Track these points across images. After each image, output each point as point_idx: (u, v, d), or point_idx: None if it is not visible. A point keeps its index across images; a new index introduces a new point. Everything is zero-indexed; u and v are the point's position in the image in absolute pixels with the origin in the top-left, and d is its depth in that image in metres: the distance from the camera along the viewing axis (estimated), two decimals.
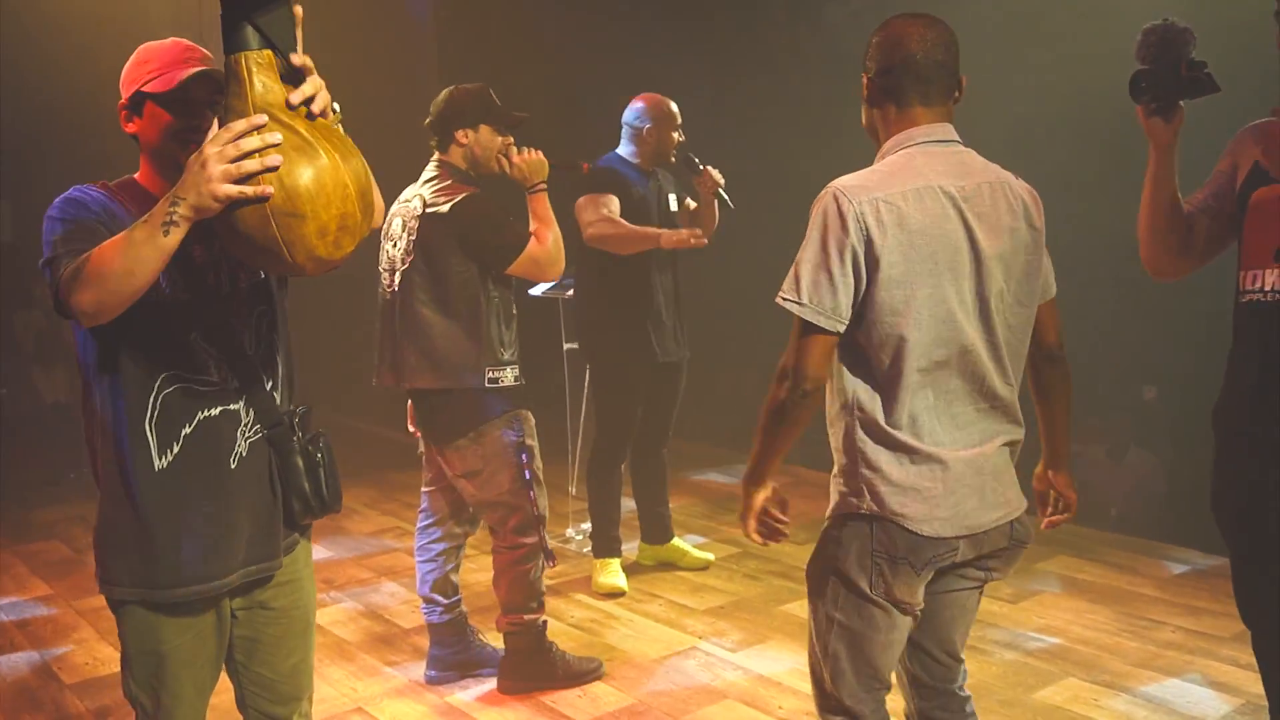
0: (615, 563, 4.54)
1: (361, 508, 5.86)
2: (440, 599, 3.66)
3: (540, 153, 3.42)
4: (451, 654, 3.69)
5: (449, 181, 3.41)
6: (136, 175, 2.15)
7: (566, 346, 5.11)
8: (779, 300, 2.06)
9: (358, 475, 6.40)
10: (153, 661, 2.12)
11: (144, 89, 2.07)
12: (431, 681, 3.68)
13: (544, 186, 3.39)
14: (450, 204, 3.32)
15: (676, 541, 4.78)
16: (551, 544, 5.01)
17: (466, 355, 3.35)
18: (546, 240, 3.33)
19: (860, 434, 2.10)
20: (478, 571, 4.81)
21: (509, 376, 3.40)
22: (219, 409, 2.09)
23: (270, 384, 2.18)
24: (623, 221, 4.19)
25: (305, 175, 1.85)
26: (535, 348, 5.98)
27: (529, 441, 3.41)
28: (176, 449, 2.06)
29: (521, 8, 6.98)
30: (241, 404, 2.12)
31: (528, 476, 3.40)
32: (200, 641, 2.15)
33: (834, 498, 2.17)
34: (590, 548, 4.82)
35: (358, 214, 1.93)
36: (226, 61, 1.88)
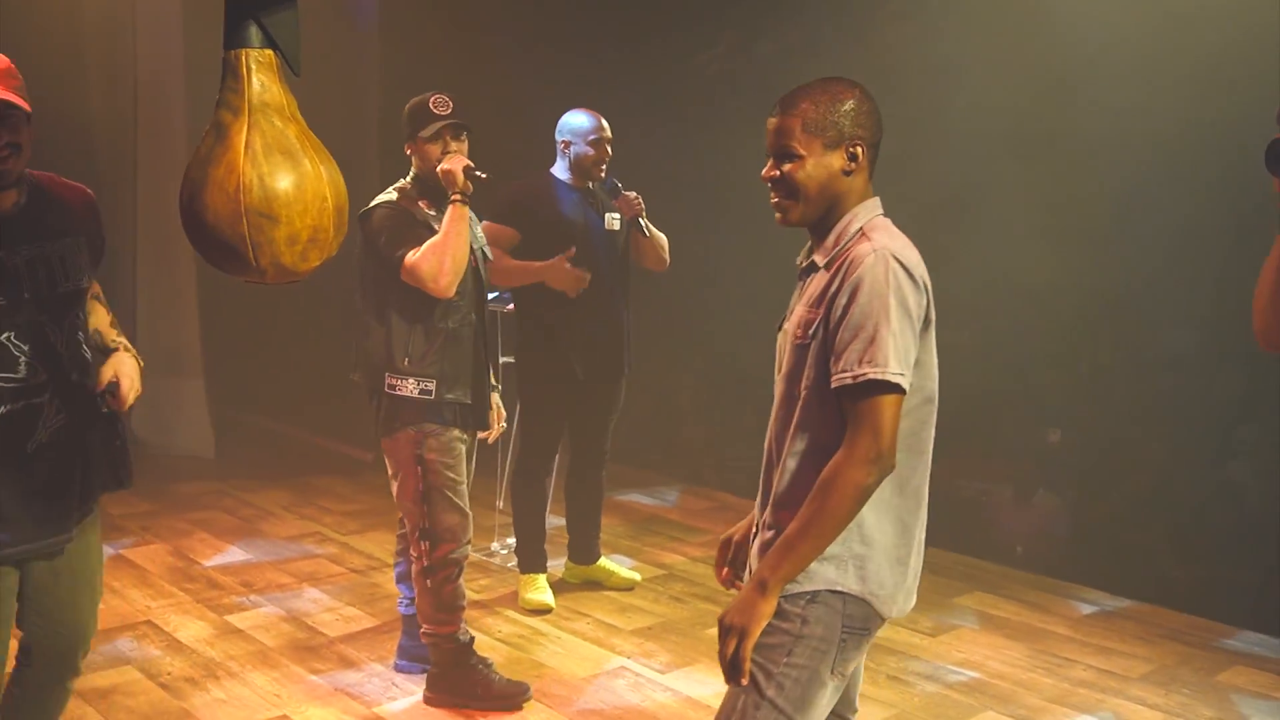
0: (541, 578, 4.54)
1: (280, 510, 5.76)
2: (408, 590, 3.72)
3: (458, 164, 3.34)
4: (417, 645, 3.74)
5: (396, 189, 3.49)
6: None
7: (503, 360, 5.09)
8: (877, 378, 1.89)
9: (276, 479, 6.29)
10: None
11: None
12: (399, 670, 3.80)
13: (457, 198, 3.32)
14: (365, 210, 3.41)
15: (604, 561, 4.79)
16: (476, 557, 5.04)
17: (379, 358, 3.44)
18: (426, 254, 3.28)
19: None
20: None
21: (410, 387, 3.40)
22: (22, 403, 2.36)
23: (77, 377, 2.45)
24: (506, 257, 4.23)
25: (286, 180, 1.84)
26: None
27: (429, 456, 3.41)
28: None
29: (465, 23, 6.98)
30: (46, 397, 2.39)
31: (420, 489, 3.43)
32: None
33: (802, 563, 1.95)
34: (515, 563, 4.81)
35: (330, 229, 1.92)
36: (225, 56, 1.86)
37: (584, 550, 4.77)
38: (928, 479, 2.11)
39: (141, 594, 4.52)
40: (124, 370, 2.44)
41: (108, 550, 5.03)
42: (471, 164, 3.37)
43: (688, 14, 6.74)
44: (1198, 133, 4.87)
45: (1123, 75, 5.14)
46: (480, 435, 3.70)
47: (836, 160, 2.04)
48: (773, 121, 2.08)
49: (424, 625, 3.55)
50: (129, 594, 4.52)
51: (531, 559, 4.55)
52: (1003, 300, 5.75)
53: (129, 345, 2.60)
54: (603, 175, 4.36)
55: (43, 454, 2.40)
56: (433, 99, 3.47)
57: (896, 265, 1.95)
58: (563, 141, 4.35)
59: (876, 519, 2.00)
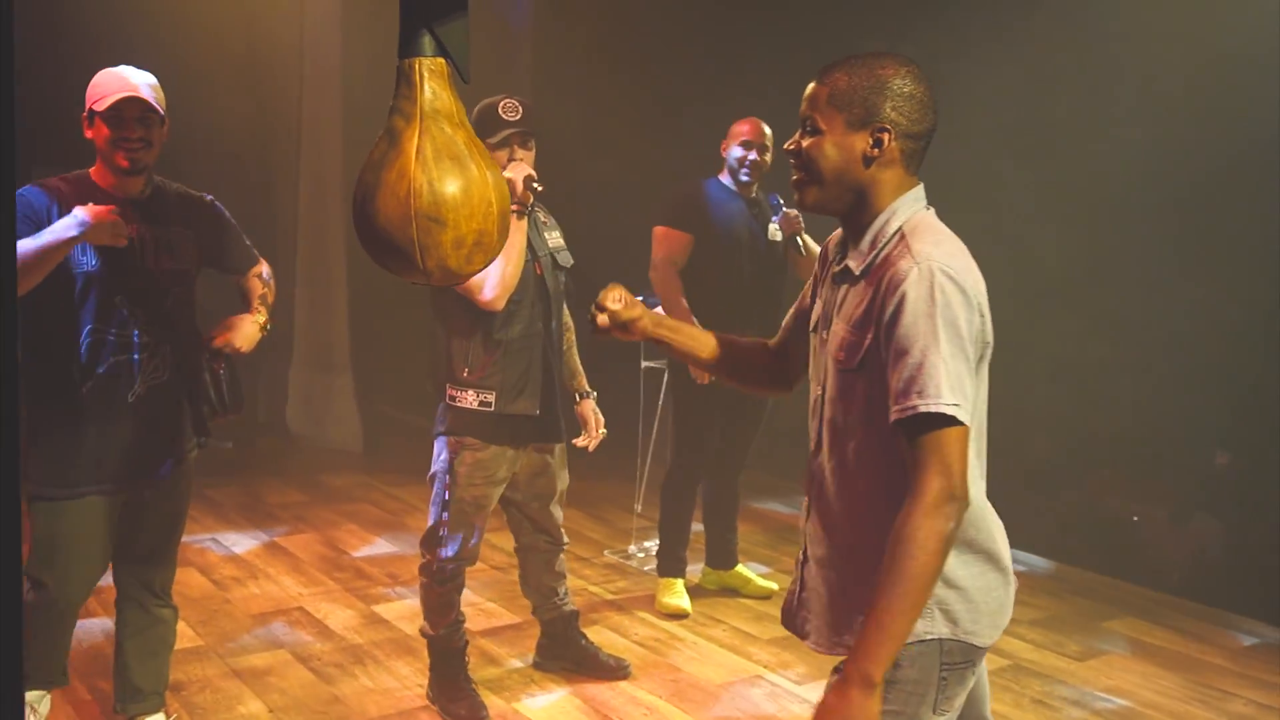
0: (679, 583, 4.55)
1: (425, 505, 5.85)
2: (536, 596, 3.81)
3: (520, 173, 3.22)
4: (552, 645, 3.85)
5: None
6: (91, 170, 2.87)
7: (644, 364, 5.13)
8: (932, 410, 1.68)
9: (421, 474, 6.42)
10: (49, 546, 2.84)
11: (93, 107, 2.78)
12: (536, 667, 3.88)
13: (515, 208, 3.17)
14: None
15: (741, 568, 4.77)
16: (614, 559, 5.09)
17: (442, 368, 3.43)
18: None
19: None
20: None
21: (470, 399, 3.35)
22: (125, 356, 2.82)
23: (175, 342, 2.91)
24: (672, 281, 4.28)
25: (454, 184, 1.88)
26: (615, 365, 6.01)
27: (459, 468, 3.38)
28: (89, 384, 2.81)
29: (617, 20, 7.04)
30: (146, 355, 2.85)
31: (442, 494, 3.42)
32: (92, 529, 2.87)
33: (902, 638, 1.72)
34: (653, 565, 4.83)
35: (494, 233, 1.96)
36: (400, 65, 1.92)
37: (722, 555, 4.76)
38: (991, 508, 1.90)
39: (294, 581, 4.70)
40: (235, 323, 2.98)
41: (263, 537, 5.25)
42: (533, 174, 3.25)
43: (836, 23, 6.67)
44: None
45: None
46: (579, 444, 3.66)
47: (859, 142, 1.81)
48: (809, 87, 1.88)
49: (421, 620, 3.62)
50: (283, 580, 4.70)
51: (672, 563, 4.57)
52: (1159, 314, 5.53)
53: (262, 313, 3.09)
54: (756, 178, 4.35)
55: (140, 406, 2.86)
56: (503, 103, 3.32)
57: (944, 279, 1.71)
58: (723, 144, 4.39)
59: (957, 556, 1.80)
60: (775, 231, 4.41)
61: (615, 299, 2.18)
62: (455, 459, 3.39)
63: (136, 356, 2.84)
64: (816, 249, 4.27)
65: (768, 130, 4.35)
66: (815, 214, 1.95)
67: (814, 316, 2.01)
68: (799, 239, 4.35)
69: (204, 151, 6.65)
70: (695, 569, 4.83)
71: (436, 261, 1.90)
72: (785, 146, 1.91)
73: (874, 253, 1.83)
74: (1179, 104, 5.31)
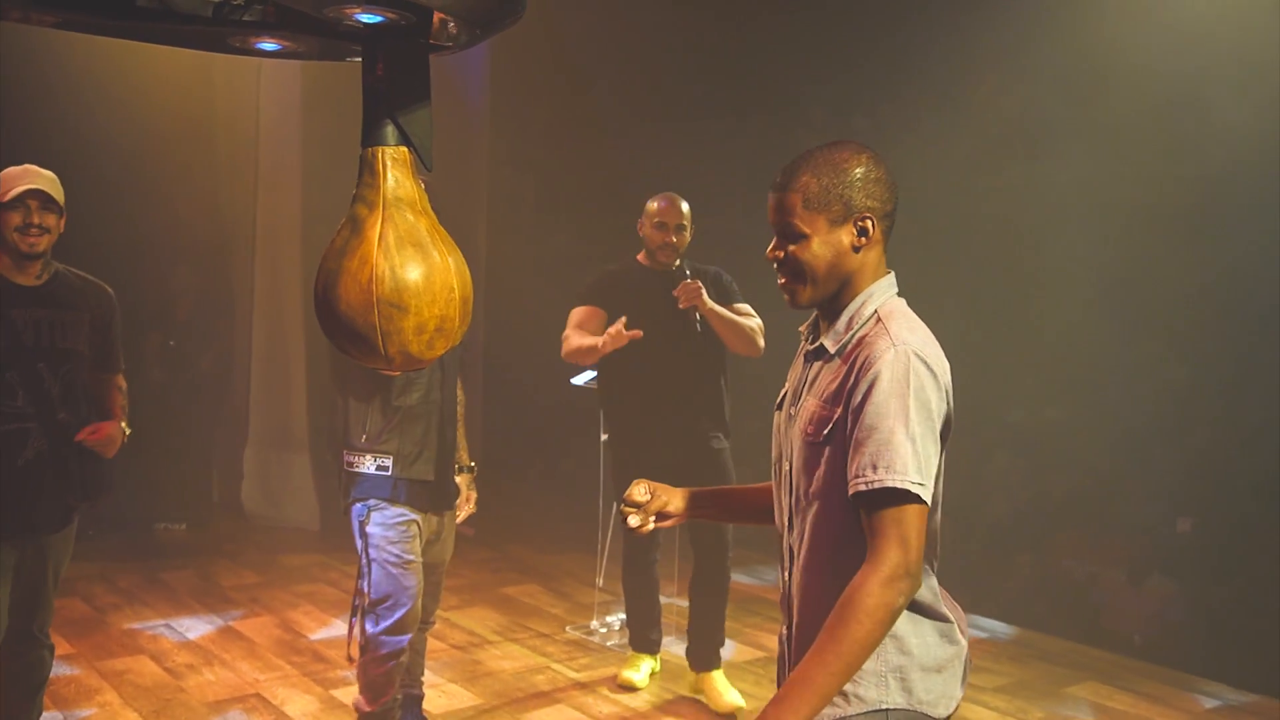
0: (645, 660, 4.48)
1: None
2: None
3: None
4: None
5: None
6: None
7: (605, 437, 5.12)
8: (896, 486, 1.72)
9: None
10: None
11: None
12: None
13: None
14: None
15: (716, 676, 4.34)
16: (576, 635, 5.04)
17: (337, 433, 3.48)
18: None
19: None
20: (503, 659, 4.78)
21: (367, 463, 3.38)
22: (15, 425, 3.12)
23: (64, 415, 3.20)
24: (575, 337, 4.17)
25: (417, 271, 1.90)
26: (575, 438, 6.00)
27: (371, 529, 3.38)
28: None
29: (573, 97, 7.15)
30: (34, 425, 3.14)
31: (362, 563, 3.42)
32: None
33: (826, 698, 1.74)
34: (616, 640, 4.79)
35: (456, 319, 1.97)
36: (363, 154, 1.94)
37: (697, 650, 4.38)
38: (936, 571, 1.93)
39: (250, 666, 4.60)
40: (103, 428, 3.24)
41: (218, 621, 5.15)
42: None
43: (787, 91, 6.82)
44: None
45: (1239, 153, 5.07)
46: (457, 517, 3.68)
47: (845, 236, 1.88)
48: (773, 197, 1.93)
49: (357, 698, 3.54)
50: (239, 666, 4.60)
51: (639, 640, 4.50)
52: (1111, 374, 5.64)
53: (124, 418, 3.35)
54: (671, 258, 4.18)
55: (29, 469, 3.14)
56: None
57: (918, 363, 1.79)
58: (639, 224, 4.29)
59: (912, 625, 1.83)
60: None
61: (643, 493, 2.18)
62: (365, 523, 3.38)
63: (27, 425, 3.14)
64: (746, 318, 4.16)
65: (684, 207, 4.21)
66: (801, 309, 1.98)
67: (780, 395, 2.06)
68: (707, 308, 4.07)
69: (160, 229, 6.64)
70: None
71: (398, 347, 1.91)
72: (767, 255, 1.96)
73: (850, 333, 1.89)
74: (1124, 169, 5.46)
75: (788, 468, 1.97)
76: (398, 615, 3.39)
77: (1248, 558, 5.27)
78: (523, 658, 4.81)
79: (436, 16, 1.77)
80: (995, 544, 5.86)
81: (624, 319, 4.03)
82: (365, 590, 3.40)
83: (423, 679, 3.83)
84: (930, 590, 1.88)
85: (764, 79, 6.90)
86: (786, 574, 1.99)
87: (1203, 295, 5.40)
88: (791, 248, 1.91)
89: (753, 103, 6.94)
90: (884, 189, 1.90)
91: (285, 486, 6.93)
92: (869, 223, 1.88)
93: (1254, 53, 5.05)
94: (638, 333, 4.02)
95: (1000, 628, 5.34)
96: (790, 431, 1.96)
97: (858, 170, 1.89)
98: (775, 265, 1.95)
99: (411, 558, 3.42)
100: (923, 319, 1.94)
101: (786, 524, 1.99)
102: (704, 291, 4.06)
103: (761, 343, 4.17)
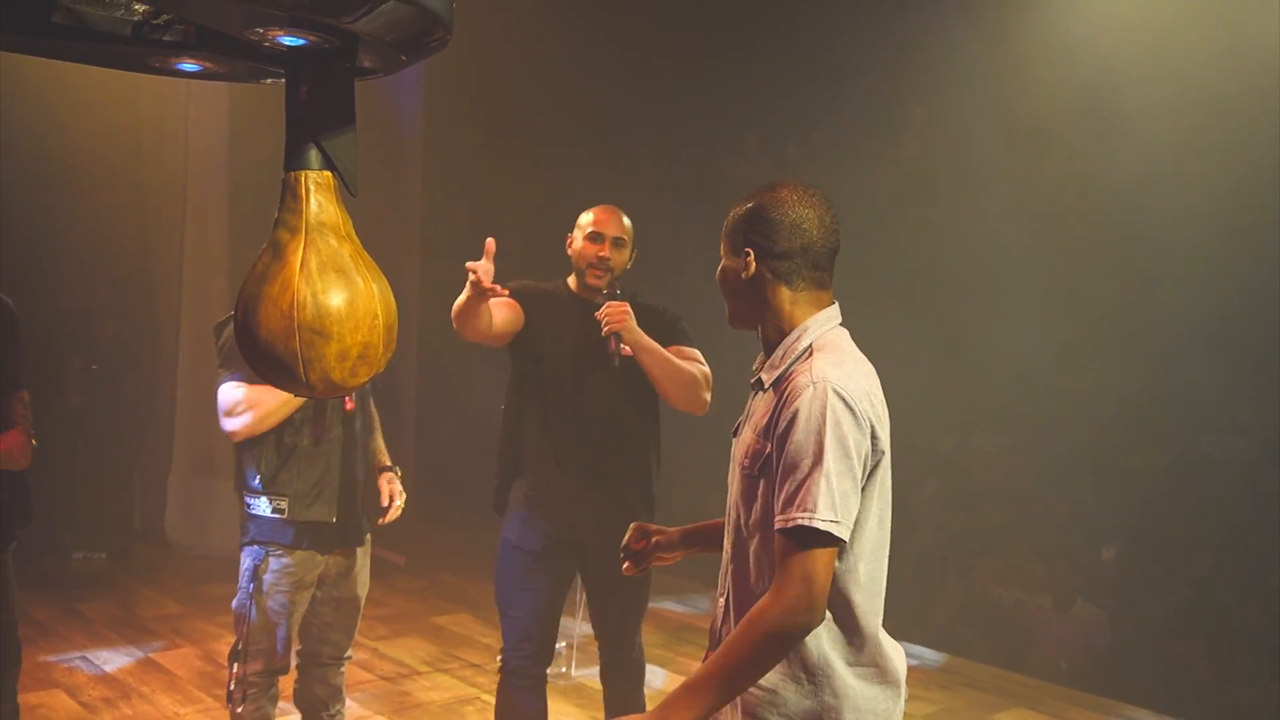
0: None
1: None
2: (305, 708, 3.53)
3: None
4: None
5: None
6: None
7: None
8: (806, 524, 1.75)
9: None
10: None
11: None
12: None
13: None
14: (221, 320, 3.48)
15: None
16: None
17: (238, 472, 3.38)
18: (238, 393, 3.39)
19: (828, 652, 1.84)
20: (432, 690, 4.71)
21: (264, 506, 3.27)
22: None
23: None
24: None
25: (339, 297, 1.87)
26: None
27: (264, 574, 3.26)
28: None
29: (506, 120, 7.14)
30: None
31: (243, 605, 3.27)
32: None
33: (711, 708, 1.78)
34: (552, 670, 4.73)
35: (379, 346, 1.94)
36: (285, 178, 1.91)
37: None
38: (882, 609, 1.93)
39: (170, 700, 4.48)
40: (7, 438, 2.99)
41: (137, 653, 5.02)
42: None
43: (720, 120, 6.88)
44: (1235, 238, 4.90)
45: (1157, 179, 5.20)
46: (382, 521, 3.43)
47: (738, 265, 1.99)
48: None
49: None
50: (158, 699, 4.47)
51: None
52: (1037, 404, 5.73)
53: (30, 429, 3.09)
54: (602, 280, 3.27)
55: None
56: None
57: (836, 400, 1.80)
58: (568, 239, 3.39)
59: (844, 667, 1.85)
60: (617, 339, 3.18)
61: (638, 539, 2.22)
62: (259, 566, 3.27)
63: None
64: (690, 365, 3.25)
65: (626, 221, 3.33)
66: (743, 330, 2.06)
67: (736, 422, 2.09)
68: (619, 338, 3.15)
69: (84, 249, 6.50)
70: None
71: (320, 374, 1.87)
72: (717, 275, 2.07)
73: (783, 366, 1.93)
74: (1050, 201, 5.58)
75: (732, 498, 2.00)
76: (267, 659, 3.29)
77: (1169, 585, 5.38)
78: (452, 688, 4.74)
79: (361, 40, 1.74)
80: (924, 571, 5.91)
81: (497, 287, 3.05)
82: (242, 633, 3.28)
83: (343, 711, 3.74)
84: (870, 631, 1.88)
85: (698, 108, 6.95)
86: (729, 602, 1.97)
87: (1128, 327, 5.52)
88: (718, 268, 2.05)
89: (686, 131, 6.99)
90: (773, 229, 1.94)
91: (210, 513, 6.78)
92: (750, 258, 1.96)
93: (1182, 77, 5.20)
94: (499, 287, 3.03)
95: (929, 654, 5.38)
96: (733, 461, 2.01)
97: (756, 208, 1.97)
98: None
99: (295, 608, 3.31)
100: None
101: (730, 552, 1.99)
102: (631, 316, 3.15)
103: (707, 396, 3.24)
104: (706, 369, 3.28)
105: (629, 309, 3.16)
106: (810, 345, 1.93)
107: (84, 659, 4.91)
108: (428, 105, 7.25)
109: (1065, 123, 5.57)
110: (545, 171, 7.08)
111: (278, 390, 2.91)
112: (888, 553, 1.95)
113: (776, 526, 1.79)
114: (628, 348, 3.16)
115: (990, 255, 5.82)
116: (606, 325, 3.13)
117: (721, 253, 2.04)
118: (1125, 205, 5.39)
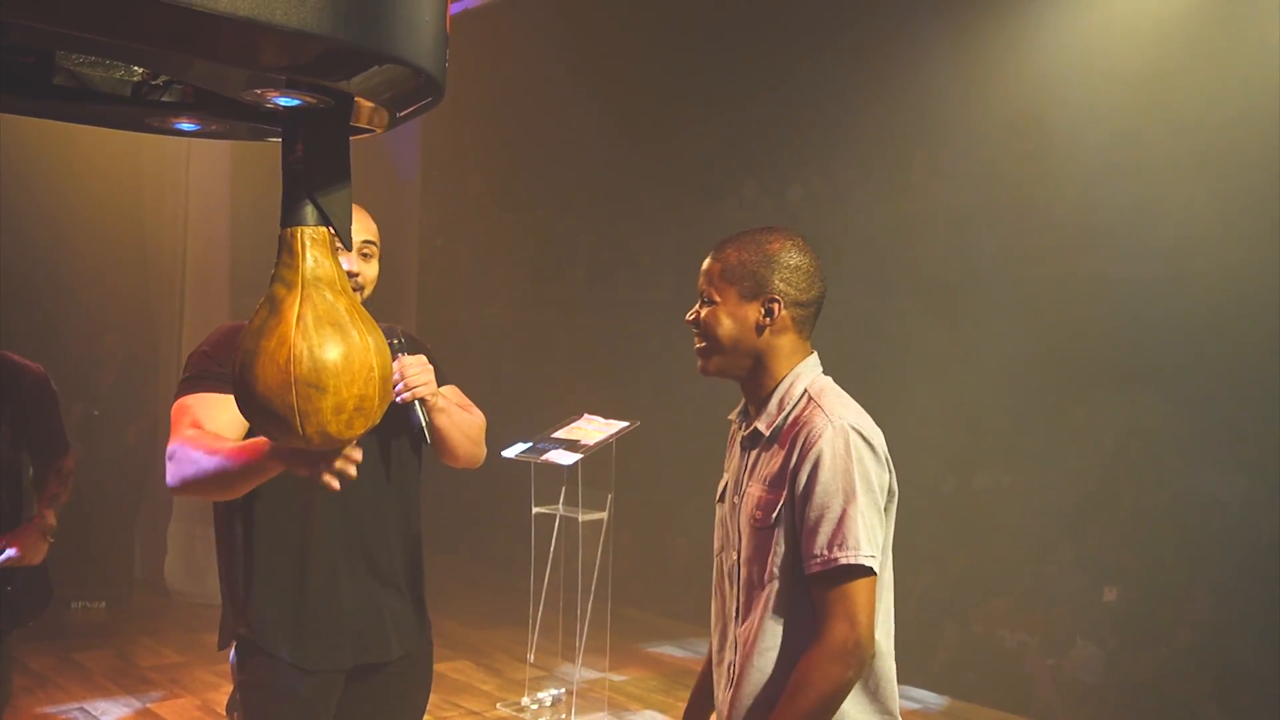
0: None
1: None
2: None
3: None
4: None
5: None
6: None
7: (535, 510, 5.10)
8: (851, 562, 1.76)
9: None
10: None
11: None
12: None
13: None
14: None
15: None
16: (506, 712, 4.95)
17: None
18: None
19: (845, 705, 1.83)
20: None
21: None
22: None
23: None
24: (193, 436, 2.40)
25: (335, 351, 1.89)
26: (507, 511, 5.92)
27: None
28: None
29: (503, 168, 7.21)
30: None
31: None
32: None
33: None
34: (547, 718, 4.71)
35: (375, 399, 1.96)
36: (282, 234, 1.94)
37: None
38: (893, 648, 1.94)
39: None
40: (21, 538, 2.96)
41: (135, 704, 4.99)
42: None
43: (718, 162, 6.94)
44: (1238, 276, 4.93)
45: (1156, 217, 5.24)
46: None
47: (751, 312, 1.93)
48: (705, 262, 2.00)
49: None
50: None
51: None
52: (1042, 445, 5.74)
53: (50, 517, 3.04)
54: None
55: None
56: None
57: (857, 438, 1.83)
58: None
59: (858, 712, 1.85)
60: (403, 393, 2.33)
61: None
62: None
63: None
64: (462, 404, 2.52)
65: (373, 224, 2.42)
66: (718, 378, 2.01)
67: (720, 487, 2.07)
68: (437, 406, 2.36)
69: (88, 303, 6.55)
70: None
71: (316, 428, 1.89)
72: (686, 318, 2.00)
73: (782, 415, 1.93)
74: (1048, 241, 5.61)
75: (735, 557, 1.97)
76: None
77: (1171, 625, 5.35)
78: None
79: (356, 100, 1.78)
80: (926, 613, 5.89)
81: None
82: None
83: None
84: (882, 669, 1.88)
85: (696, 153, 7.02)
86: (740, 663, 1.94)
87: (1127, 368, 5.54)
88: (704, 312, 1.97)
89: (685, 176, 7.05)
90: (802, 277, 1.94)
91: (210, 562, 6.76)
92: (776, 305, 1.93)
93: (1187, 130, 5.24)
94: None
95: (931, 698, 5.35)
96: (736, 521, 1.97)
97: (778, 253, 1.94)
98: (693, 329, 1.99)
99: None
100: (850, 389, 1.98)
101: (734, 614, 1.97)
102: (433, 375, 2.38)
103: (484, 449, 2.57)
104: (480, 414, 2.58)
105: (428, 364, 2.39)
106: (806, 390, 1.93)
107: (82, 710, 4.89)
108: (425, 152, 7.33)
109: (1064, 166, 5.62)
110: (544, 217, 7.14)
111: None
112: (892, 591, 1.95)
113: (815, 570, 1.79)
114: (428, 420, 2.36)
115: (989, 296, 5.85)
116: (408, 391, 2.32)
117: (713, 297, 1.96)
118: (1122, 248, 5.42)
